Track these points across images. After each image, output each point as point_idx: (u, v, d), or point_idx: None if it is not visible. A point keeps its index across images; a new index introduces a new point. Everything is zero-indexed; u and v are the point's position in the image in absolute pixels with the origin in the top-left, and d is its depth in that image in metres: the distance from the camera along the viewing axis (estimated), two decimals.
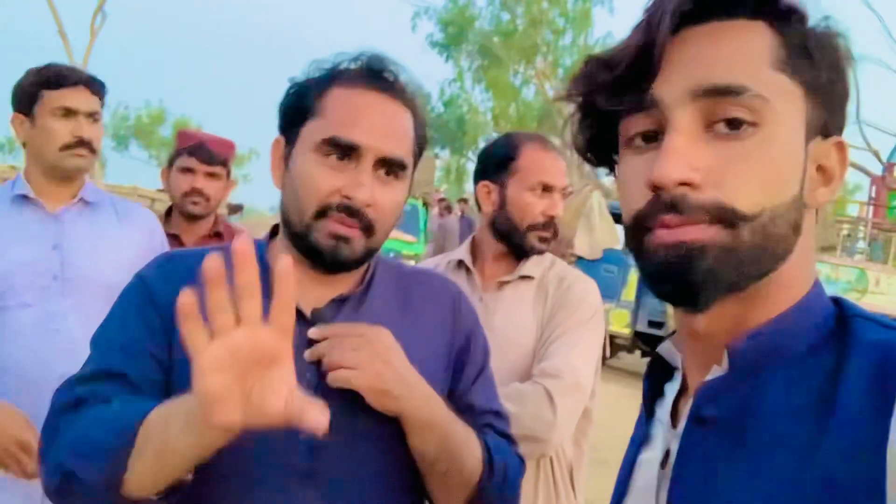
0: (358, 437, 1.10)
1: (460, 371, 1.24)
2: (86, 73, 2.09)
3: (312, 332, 1.10)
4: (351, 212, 1.10)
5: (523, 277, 1.88)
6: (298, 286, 1.13)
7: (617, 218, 9.40)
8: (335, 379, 1.06)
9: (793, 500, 0.58)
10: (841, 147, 0.68)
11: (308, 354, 1.08)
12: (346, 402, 1.06)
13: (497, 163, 1.90)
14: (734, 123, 0.63)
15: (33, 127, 2.01)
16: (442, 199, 13.67)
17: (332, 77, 1.15)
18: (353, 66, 1.15)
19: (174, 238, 2.61)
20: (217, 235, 2.73)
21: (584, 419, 1.87)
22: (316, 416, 0.79)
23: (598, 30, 29.05)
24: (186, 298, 0.72)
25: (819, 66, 0.65)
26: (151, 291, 1.13)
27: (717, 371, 0.67)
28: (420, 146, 1.20)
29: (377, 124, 1.11)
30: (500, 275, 1.90)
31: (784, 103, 0.63)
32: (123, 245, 2.07)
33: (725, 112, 0.63)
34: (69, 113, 2.00)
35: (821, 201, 0.67)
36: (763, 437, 0.62)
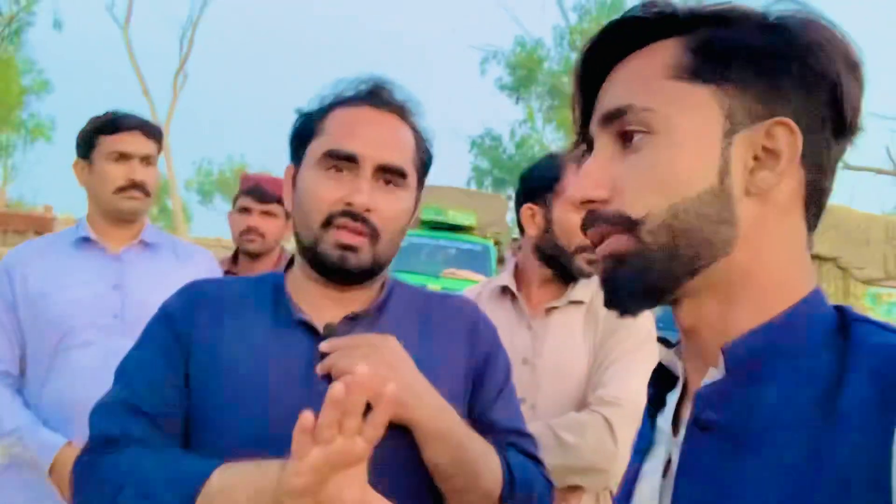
0: (373, 451, 1.09)
1: (480, 390, 1.23)
2: (141, 119, 2.17)
3: (323, 346, 1.13)
4: (354, 217, 1.13)
5: (573, 303, 1.82)
6: (313, 304, 1.18)
7: None
8: None
9: (798, 500, 0.58)
10: (783, 123, 0.66)
11: (319, 368, 1.11)
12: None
13: (541, 184, 1.84)
14: (628, 137, 0.70)
15: (91, 172, 2.10)
16: (515, 239, 13.64)
17: (333, 101, 1.21)
18: (352, 90, 1.21)
19: None
20: None
21: None
22: None
23: None
24: (306, 420, 0.87)
25: (741, 60, 0.67)
26: (172, 320, 1.20)
27: (714, 374, 0.68)
28: (424, 161, 1.24)
29: (374, 135, 1.16)
30: (547, 300, 1.83)
31: (681, 107, 0.68)
32: (182, 284, 2.10)
33: (622, 130, 0.71)
34: (123, 157, 2.08)
35: (763, 186, 0.67)
36: (764, 438, 0.62)
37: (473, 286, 2.04)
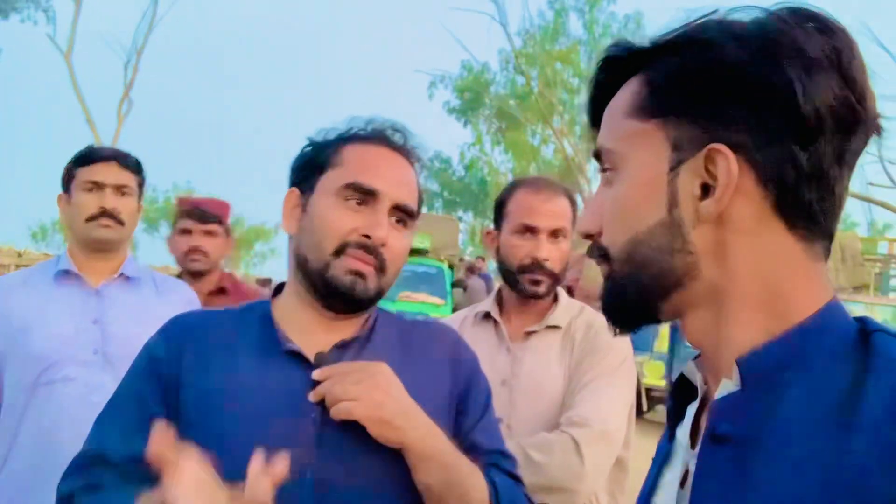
0: (365, 473, 1.14)
1: (463, 413, 1.27)
2: (117, 150, 2.20)
3: (316, 374, 1.15)
4: (368, 249, 1.18)
5: (550, 327, 1.87)
6: (303, 331, 1.22)
7: None
8: (337, 412, 1.11)
9: None
10: (716, 151, 0.65)
11: (312, 395, 1.14)
12: (353, 440, 1.12)
13: (496, 209, 1.95)
14: (605, 173, 0.76)
15: (69, 204, 2.12)
16: (461, 260, 13.72)
17: (346, 137, 1.26)
18: (365, 128, 1.27)
19: None
20: (221, 291, 2.90)
21: (619, 470, 1.84)
22: None
23: None
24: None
25: (682, 89, 0.68)
26: (156, 362, 1.22)
27: (728, 386, 0.68)
28: (420, 203, 1.30)
29: (392, 174, 1.23)
30: (527, 324, 1.89)
31: (632, 145, 0.72)
32: (163, 319, 2.10)
33: (602, 168, 0.76)
34: (96, 186, 2.09)
35: (704, 214, 0.67)
36: (779, 451, 0.62)
37: (458, 312, 2.10)
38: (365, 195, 1.20)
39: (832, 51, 0.64)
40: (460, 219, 28.89)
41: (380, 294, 1.22)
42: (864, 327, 0.65)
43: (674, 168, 0.68)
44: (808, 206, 0.66)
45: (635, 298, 0.73)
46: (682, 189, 0.68)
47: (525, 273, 1.84)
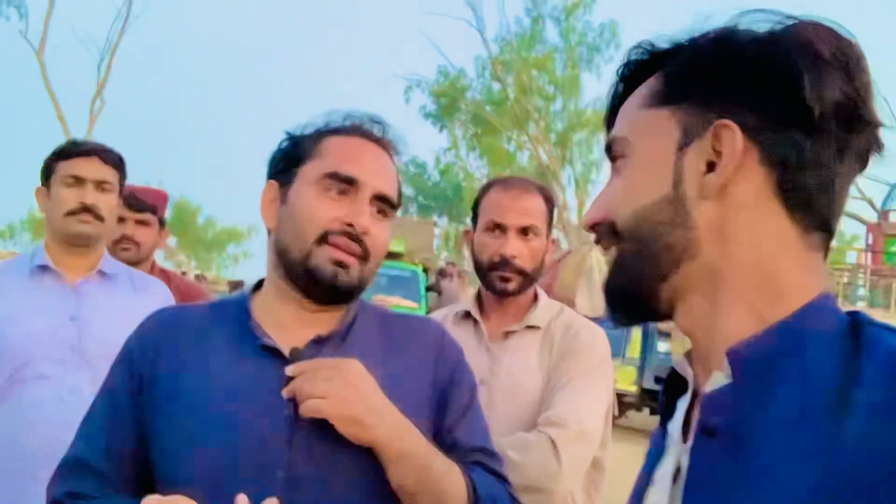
0: (337, 472, 1.13)
1: (445, 408, 1.25)
2: (99, 145, 2.16)
3: (288, 370, 1.13)
4: (351, 237, 1.17)
5: (530, 327, 1.88)
6: (282, 326, 1.21)
7: None
8: (306, 409, 1.09)
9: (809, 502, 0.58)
10: (723, 125, 0.68)
11: (284, 392, 1.12)
12: (325, 438, 1.11)
13: (472, 209, 1.98)
14: (614, 162, 0.79)
15: (48, 197, 2.08)
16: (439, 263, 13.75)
17: (326, 129, 1.25)
18: (343, 121, 1.27)
19: None
20: None
21: (595, 470, 1.85)
22: None
23: (587, 95, 29.63)
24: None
25: (695, 77, 0.72)
26: (131, 361, 1.23)
27: (719, 378, 0.68)
28: (400, 194, 1.30)
29: (372, 164, 1.22)
30: (506, 324, 1.90)
31: (645, 132, 0.75)
32: (139, 317, 2.07)
33: (612, 159, 0.79)
34: (77, 181, 2.05)
35: (707, 188, 0.70)
36: (774, 442, 0.62)
37: (438, 311, 2.10)
38: (346, 185, 1.19)
39: (841, 54, 0.67)
40: (435, 224, 28.95)
41: (362, 284, 1.21)
42: (856, 320, 0.66)
43: (681, 148, 0.71)
44: (806, 192, 0.68)
45: (638, 277, 0.74)
46: (689, 166, 0.71)
47: (495, 270, 1.84)
